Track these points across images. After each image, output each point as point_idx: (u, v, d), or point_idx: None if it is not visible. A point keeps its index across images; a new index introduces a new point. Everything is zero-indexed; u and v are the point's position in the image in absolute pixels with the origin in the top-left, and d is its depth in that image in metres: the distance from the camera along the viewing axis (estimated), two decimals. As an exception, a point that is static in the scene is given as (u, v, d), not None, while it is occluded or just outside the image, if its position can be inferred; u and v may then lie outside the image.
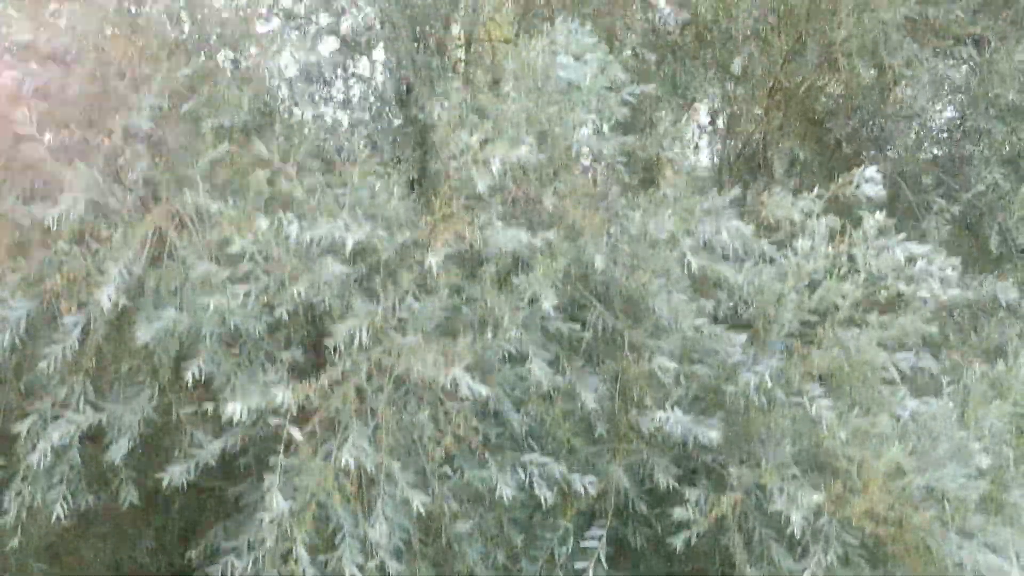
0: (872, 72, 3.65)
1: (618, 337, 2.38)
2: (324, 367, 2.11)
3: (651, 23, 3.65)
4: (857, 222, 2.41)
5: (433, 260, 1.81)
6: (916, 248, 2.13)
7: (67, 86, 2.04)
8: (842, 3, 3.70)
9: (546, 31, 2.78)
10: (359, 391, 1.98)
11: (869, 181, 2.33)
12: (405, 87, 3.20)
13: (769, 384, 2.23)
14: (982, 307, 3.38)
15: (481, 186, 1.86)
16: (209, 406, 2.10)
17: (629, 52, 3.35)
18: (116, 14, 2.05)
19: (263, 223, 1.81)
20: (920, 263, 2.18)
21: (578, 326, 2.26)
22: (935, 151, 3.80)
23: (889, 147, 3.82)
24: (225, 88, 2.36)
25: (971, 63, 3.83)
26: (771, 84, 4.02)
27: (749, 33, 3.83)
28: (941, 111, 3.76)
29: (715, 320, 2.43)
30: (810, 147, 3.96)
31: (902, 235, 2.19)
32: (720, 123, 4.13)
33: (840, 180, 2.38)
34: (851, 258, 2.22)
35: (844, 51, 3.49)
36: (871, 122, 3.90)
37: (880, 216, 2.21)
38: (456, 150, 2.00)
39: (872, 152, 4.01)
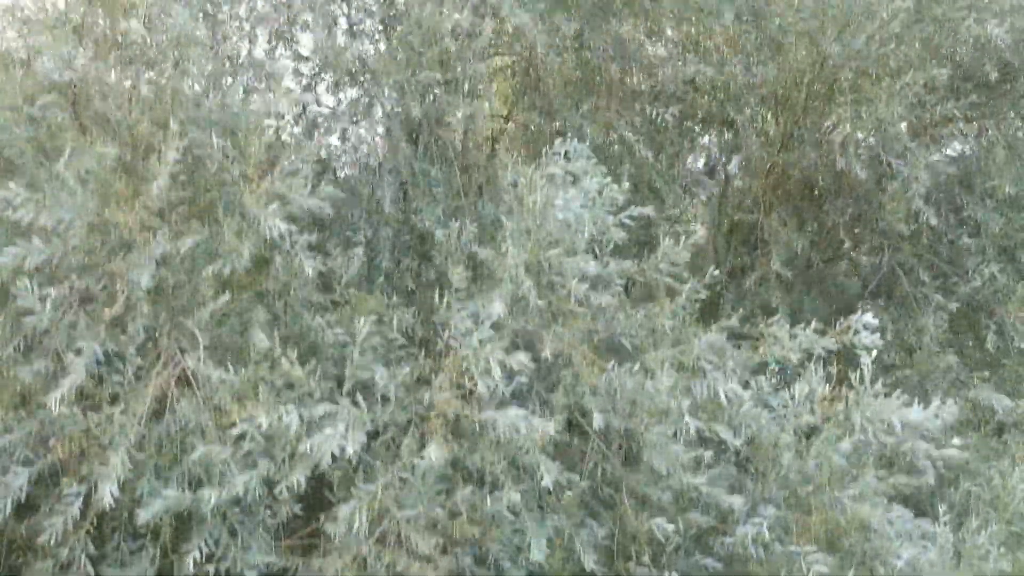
0: (868, 166, 3.67)
1: (616, 483, 2.39)
2: (323, 515, 2.15)
3: (649, 116, 3.66)
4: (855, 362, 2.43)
5: (434, 454, 1.82)
6: (914, 414, 2.14)
7: (68, 256, 2.04)
8: (838, 95, 3.74)
9: (544, 156, 2.81)
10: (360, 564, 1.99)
11: (866, 328, 2.34)
12: (403, 195, 3.21)
13: (767, 536, 2.24)
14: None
15: (482, 387, 1.88)
16: (210, 568, 2.12)
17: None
18: (115, 185, 2.06)
19: (264, 419, 1.82)
20: (915, 418, 2.20)
21: (576, 476, 2.28)
22: (932, 241, 3.81)
23: (886, 237, 3.83)
24: (226, 229, 2.39)
25: (968, 152, 3.85)
26: (768, 166, 4.04)
27: (748, 120, 3.85)
28: (938, 202, 3.76)
29: (717, 455, 2.45)
30: (807, 233, 3.98)
31: (900, 400, 2.20)
32: (717, 207, 4.16)
33: (838, 327, 2.39)
34: (848, 416, 2.23)
35: (842, 151, 3.50)
36: (867, 209, 3.91)
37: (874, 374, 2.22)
38: (456, 333, 2.02)
39: (868, 236, 4.04)
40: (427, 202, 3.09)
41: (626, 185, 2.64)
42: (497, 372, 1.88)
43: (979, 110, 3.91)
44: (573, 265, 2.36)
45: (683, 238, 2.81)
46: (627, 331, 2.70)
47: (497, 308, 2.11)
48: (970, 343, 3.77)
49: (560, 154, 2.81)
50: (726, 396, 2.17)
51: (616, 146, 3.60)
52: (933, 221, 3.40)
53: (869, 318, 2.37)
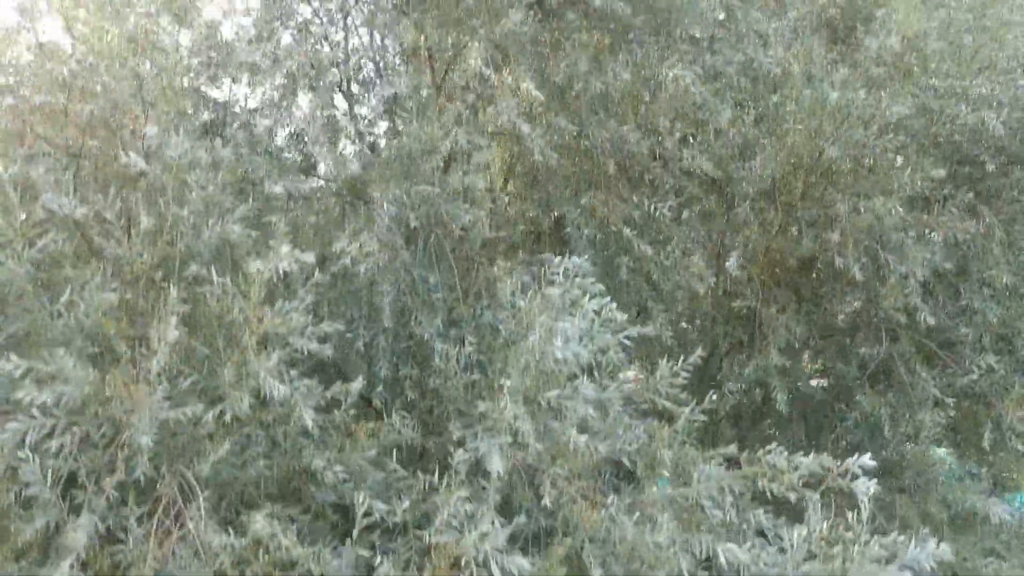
0: (866, 253, 3.68)
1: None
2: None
3: (648, 211, 3.66)
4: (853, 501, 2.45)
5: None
6: (909, 576, 2.16)
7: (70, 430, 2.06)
8: (835, 192, 3.75)
9: (544, 272, 2.82)
10: None
11: (863, 474, 2.35)
12: (403, 305, 3.21)
13: None
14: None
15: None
16: None
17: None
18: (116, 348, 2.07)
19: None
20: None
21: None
22: (930, 329, 3.81)
23: (884, 322, 3.83)
24: (227, 373, 2.40)
25: (965, 239, 3.86)
26: (766, 246, 4.05)
27: (747, 208, 3.86)
28: (935, 292, 3.77)
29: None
30: (805, 315, 3.98)
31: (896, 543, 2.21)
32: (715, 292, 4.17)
33: (835, 469, 2.40)
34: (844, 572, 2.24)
35: (839, 249, 3.51)
36: (866, 294, 3.92)
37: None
38: (453, 514, 2.03)
39: (866, 322, 4.04)
40: (426, 312, 3.10)
41: (624, 316, 2.66)
42: (497, 573, 1.90)
43: (975, 190, 3.92)
44: (572, 410, 2.37)
45: (681, 358, 2.84)
46: (626, 448, 2.72)
47: (496, 464, 2.13)
48: (966, 436, 3.77)
49: (559, 272, 2.83)
50: (724, 557, 2.18)
51: (613, 239, 3.61)
52: (931, 320, 3.41)
53: (867, 459, 2.38)
